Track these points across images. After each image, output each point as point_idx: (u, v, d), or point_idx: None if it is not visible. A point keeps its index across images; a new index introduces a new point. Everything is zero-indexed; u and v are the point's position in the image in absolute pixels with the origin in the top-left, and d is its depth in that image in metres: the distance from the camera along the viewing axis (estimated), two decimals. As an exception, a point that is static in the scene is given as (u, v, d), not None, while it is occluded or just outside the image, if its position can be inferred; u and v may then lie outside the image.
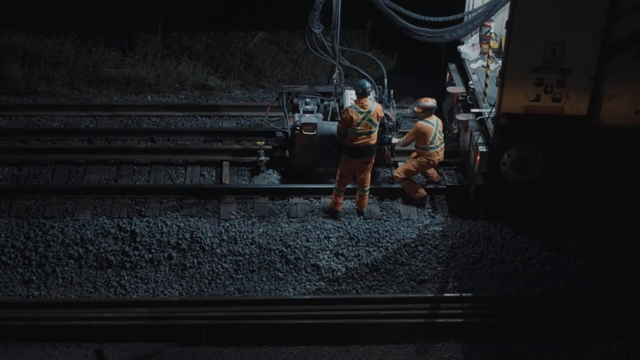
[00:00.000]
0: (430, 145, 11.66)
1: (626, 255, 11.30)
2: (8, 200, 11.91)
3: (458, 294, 10.68)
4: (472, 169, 11.67)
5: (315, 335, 10.15)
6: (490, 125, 11.48)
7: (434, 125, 11.67)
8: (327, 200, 11.96)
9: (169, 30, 16.05)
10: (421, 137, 11.66)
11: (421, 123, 11.69)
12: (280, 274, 10.97)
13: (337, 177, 11.67)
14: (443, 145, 11.87)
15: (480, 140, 11.47)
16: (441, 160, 11.97)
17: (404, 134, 13.33)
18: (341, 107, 12.24)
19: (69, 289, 10.68)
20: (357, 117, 11.10)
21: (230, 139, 13.34)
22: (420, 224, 11.75)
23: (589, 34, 10.38)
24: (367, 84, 11.23)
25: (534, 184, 11.56)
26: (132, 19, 15.82)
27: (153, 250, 11.15)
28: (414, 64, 15.38)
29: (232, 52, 15.81)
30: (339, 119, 11.54)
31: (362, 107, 11.14)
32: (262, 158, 12.65)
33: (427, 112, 11.74)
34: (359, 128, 11.14)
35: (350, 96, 12.10)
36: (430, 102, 11.73)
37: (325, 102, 12.49)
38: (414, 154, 11.94)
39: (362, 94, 11.17)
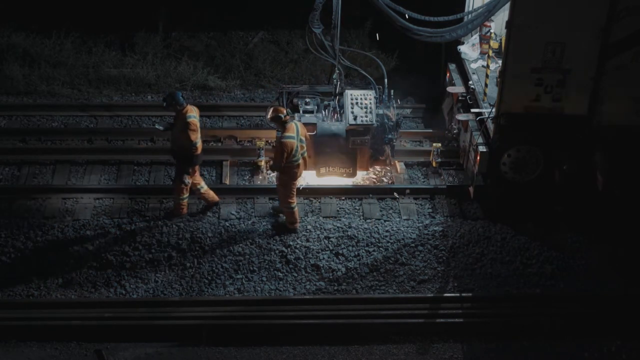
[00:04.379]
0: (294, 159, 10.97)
1: (626, 255, 11.29)
2: (8, 200, 11.92)
3: (458, 294, 10.68)
4: (472, 169, 11.67)
5: (315, 335, 10.15)
6: (490, 125, 11.48)
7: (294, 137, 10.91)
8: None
9: (169, 30, 16.05)
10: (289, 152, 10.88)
11: (285, 140, 10.78)
12: (280, 274, 10.97)
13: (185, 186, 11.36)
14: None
15: (480, 140, 11.47)
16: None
17: (404, 133, 13.41)
18: (341, 106, 12.24)
19: (69, 289, 10.68)
20: (198, 122, 11.09)
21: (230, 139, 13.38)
22: (420, 224, 11.75)
23: (589, 34, 10.38)
24: (180, 94, 11.01)
25: (534, 184, 11.56)
26: (132, 19, 15.83)
27: (153, 250, 11.16)
28: (414, 64, 15.37)
29: (232, 52, 15.82)
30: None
31: (192, 112, 11.08)
32: (262, 158, 12.66)
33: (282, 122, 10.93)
34: (199, 134, 11.16)
35: (350, 96, 12.08)
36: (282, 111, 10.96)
37: (325, 102, 12.49)
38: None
39: (179, 103, 10.94)
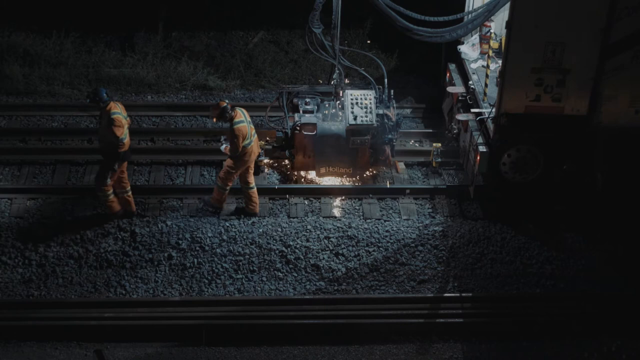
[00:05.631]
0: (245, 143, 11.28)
1: (626, 255, 11.30)
2: (8, 200, 11.92)
3: (458, 294, 10.68)
4: (472, 169, 11.67)
5: (315, 335, 10.15)
6: (490, 125, 11.48)
7: (245, 121, 11.24)
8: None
9: (169, 30, 16.06)
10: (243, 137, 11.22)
11: (237, 126, 11.10)
12: (280, 274, 10.98)
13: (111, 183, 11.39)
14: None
15: (480, 140, 11.47)
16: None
17: (404, 134, 13.42)
18: (341, 106, 12.24)
19: (69, 289, 10.68)
20: (122, 118, 11.11)
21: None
22: (420, 224, 11.75)
23: (589, 34, 10.38)
24: (104, 92, 11.06)
25: (534, 184, 11.57)
26: (132, 19, 15.83)
27: (153, 250, 11.16)
28: (414, 64, 15.38)
29: (232, 52, 15.82)
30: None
31: (116, 108, 11.10)
32: (262, 158, 12.66)
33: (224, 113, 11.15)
34: (126, 129, 11.18)
35: (350, 96, 12.08)
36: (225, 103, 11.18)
37: (326, 102, 12.49)
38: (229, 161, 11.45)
39: (103, 100, 10.98)
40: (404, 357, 10.00)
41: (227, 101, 11.27)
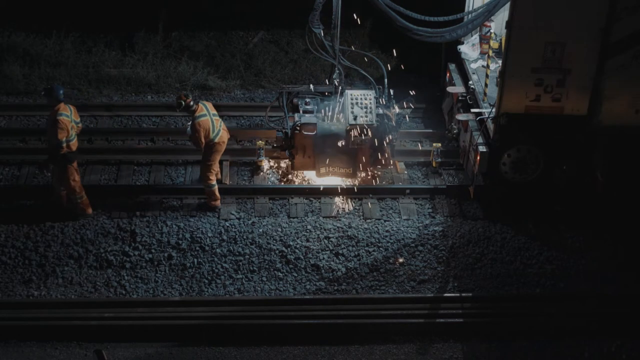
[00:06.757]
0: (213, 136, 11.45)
1: (627, 255, 11.30)
2: (8, 200, 11.91)
3: (458, 294, 10.68)
4: (472, 169, 11.67)
5: (315, 335, 10.15)
6: (490, 125, 11.48)
7: (207, 114, 11.36)
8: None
9: (169, 30, 16.06)
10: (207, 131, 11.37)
11: (197, 120, 11.25)
12: (280, 274, 10.98)
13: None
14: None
15: (480, 140, 11.47)
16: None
17: (404, 134, 13.42)
18: (341, 106, 12.23)
19: (69, 289, 10.69)
20: (69, 121, 11.07)
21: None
22: (420, 224, 11.75)
23: (589, 34, 10.39)
24: (61, 91, 11.11)
25: (534, 184, 11.57)
26: (132, 19, 15.84)
27: (153, 250, 11.16)
28: (414, 64, 15.37)
29: (232, 52, 15.82)
30: (57, 129, 10.97)
31: (65, 110, 11.11)
32: (262, 158, 12.67)
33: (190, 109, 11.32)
34: (73, 133, 11.20)
35: (350, 96, 12.08)
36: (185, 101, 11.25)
37: (325, 102, 12.48)
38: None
39: (56, 99, 11.03)
40: (404, 357, 10.00)
41: (190, 96, 11.33)
